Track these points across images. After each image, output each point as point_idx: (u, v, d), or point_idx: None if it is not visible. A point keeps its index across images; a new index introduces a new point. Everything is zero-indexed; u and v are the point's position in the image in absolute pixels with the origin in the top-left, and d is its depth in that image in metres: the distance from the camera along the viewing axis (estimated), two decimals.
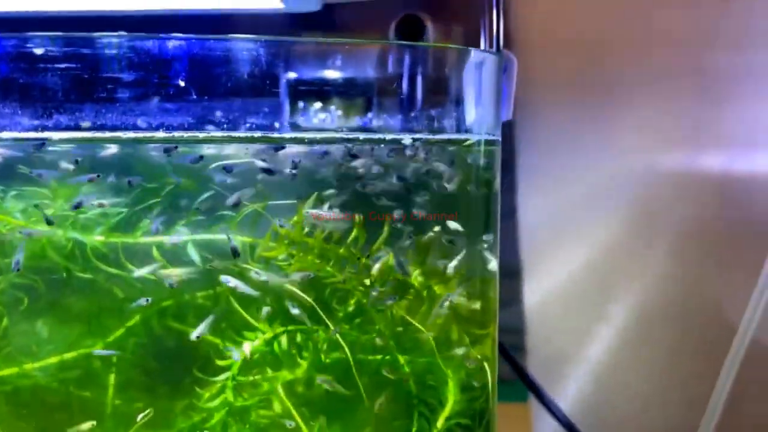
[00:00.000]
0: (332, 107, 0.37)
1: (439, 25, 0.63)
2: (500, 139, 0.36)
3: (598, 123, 0.75)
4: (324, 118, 0.37)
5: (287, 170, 0.33)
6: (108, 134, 0.31)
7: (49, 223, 0.33)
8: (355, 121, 0.37)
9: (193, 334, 0.33)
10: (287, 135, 0.34)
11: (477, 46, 0.45)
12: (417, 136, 0.34)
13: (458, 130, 0.35)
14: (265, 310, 0.34)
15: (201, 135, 0.31)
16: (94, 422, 0.34)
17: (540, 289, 0.87)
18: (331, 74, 0.35)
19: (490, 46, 0.42)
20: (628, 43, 0.71)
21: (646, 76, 0.70)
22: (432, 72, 0.34)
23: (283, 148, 0.32)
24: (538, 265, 0.88)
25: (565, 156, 0.80)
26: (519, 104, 0.86)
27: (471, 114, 0.35)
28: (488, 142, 0.35)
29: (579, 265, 0.79)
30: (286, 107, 0.35)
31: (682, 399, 0.67)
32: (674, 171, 0.70)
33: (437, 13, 0.49)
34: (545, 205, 0.85)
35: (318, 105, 0.37)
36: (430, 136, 0.34)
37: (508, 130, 0.88)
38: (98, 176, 0.32)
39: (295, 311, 0.34)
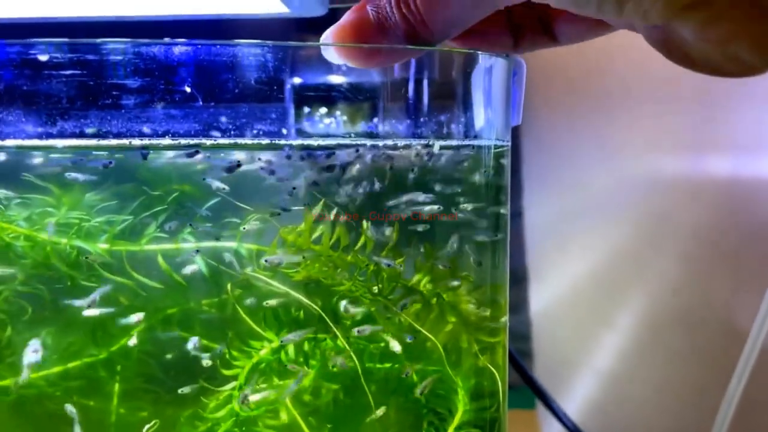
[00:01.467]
0: (338, 113, 0.36)
1: None
2: (510, 144, 0.36)
3: (604, 127, 0.75)
4: (329, 123, 0.37)
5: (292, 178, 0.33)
6: (114, 141, 0.31)
7: None
8: (361, 126, 0.36)
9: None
10: (296, 142, 0.33)
11: None
12: (427, 141, 0.33)
13: (467, 136, 0.34)
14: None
15: (208, 142, 0.31)
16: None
17: (546, 295, 0.87)
18: (337, 79, 0.34)
19: None
20: (631, 46, 0.71)
21: (651, 80, 0.70)
22: (440, 77, 0.34)
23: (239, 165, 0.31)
24: (544, 270, 0.87)
25: (570, 161, 0.80)
26: (524, 110, 0.86)
27: (480, 119, 0.34)
28: (498, 148, 0.35)
29: (585, 271, 0.79)
30: (292, 113, 0.35)
31: (691, 407, 0.67)
32: (681, 175, 0.70)
33: None
34: (551, 211, 0.85)
35: (323, 110, 0.37)
36: (440, 142, 0.34)
37: (514, 135, 0.87)
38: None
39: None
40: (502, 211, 0.36)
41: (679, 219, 0.70)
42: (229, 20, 0.50)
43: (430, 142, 0.33)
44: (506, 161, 0.36)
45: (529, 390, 0.63)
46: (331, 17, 0.48)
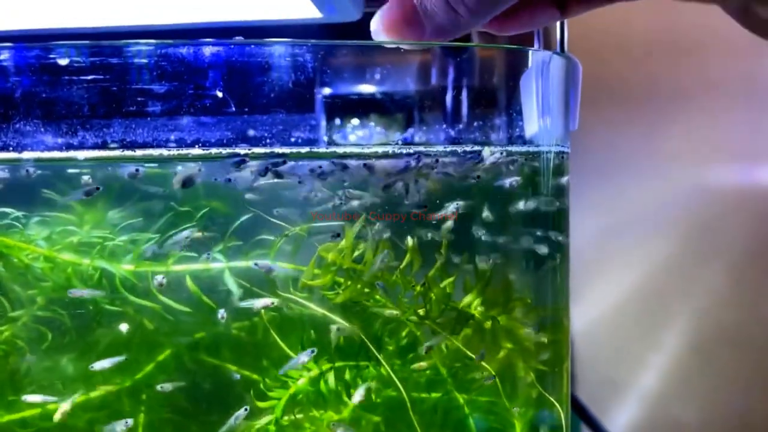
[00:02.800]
0: (380, 118, 0.34)
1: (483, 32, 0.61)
2: (569, 151, 0.33)
3: (648, 136, 0.72)
4: (377, 130, 0.34)
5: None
6: (139, 152, 0.29)
7: None
8: (410, 132, 0.34)
9: None
10: (344, 150, 0.30)
11: None
12: (491, 148, 0.30)
13: (524, 141, 0.32)
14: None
15: (242, 151, 0.28)
16: None
17: (588, 314, 0.84)
18: (380, 83, 0.32)
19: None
20: (679, 52, 0.69)
21: (698, 86, 0.68)
22: (496, 77, 0.31)
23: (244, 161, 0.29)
24: (585, 287, 0.84)
25: (613, 171, 0.77)
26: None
27: (540, 122, 0.32)
28: (558, 155, 0.32)
29: (629, 287, 0.76)
30: (331, 119, 0.32)
31: (741, 431, 0.64)
32: (730, 185, 0.67)
33: None
34: (593, 224, 0.82)
35: (374, 117, 0.34)
36: (499, 148, 0.31)
37: None
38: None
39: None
40: (564, 222, 0.33)
41: (727, 231, 0.68)
42: (257, 28, 0.48)
43: (484, 149, 0.30)
44: (567, 169, 0.33)
45: (573, 415, 0.59)
46: (364, 23, 0.46)
